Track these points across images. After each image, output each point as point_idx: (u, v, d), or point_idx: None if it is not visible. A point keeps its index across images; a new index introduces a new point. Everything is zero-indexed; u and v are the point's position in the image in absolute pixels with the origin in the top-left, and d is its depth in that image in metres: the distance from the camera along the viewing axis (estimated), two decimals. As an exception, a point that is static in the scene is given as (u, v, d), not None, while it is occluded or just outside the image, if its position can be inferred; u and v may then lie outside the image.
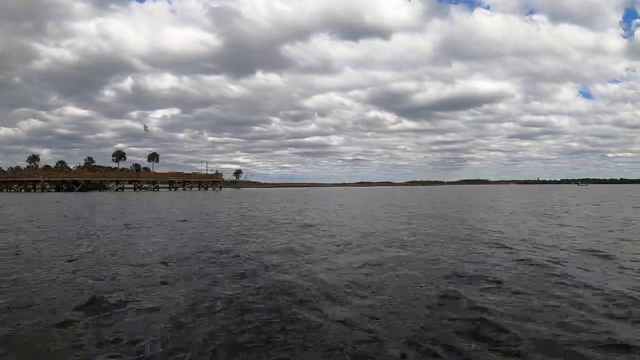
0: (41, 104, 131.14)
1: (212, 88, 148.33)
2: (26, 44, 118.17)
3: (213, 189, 78.34)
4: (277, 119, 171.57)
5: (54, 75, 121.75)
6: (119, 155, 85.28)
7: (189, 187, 78.41)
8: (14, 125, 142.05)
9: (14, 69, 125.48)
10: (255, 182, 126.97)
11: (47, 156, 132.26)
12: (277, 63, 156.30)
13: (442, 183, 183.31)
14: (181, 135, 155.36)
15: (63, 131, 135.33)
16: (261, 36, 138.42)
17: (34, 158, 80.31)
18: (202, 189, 79.72)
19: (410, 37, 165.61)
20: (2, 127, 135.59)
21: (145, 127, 60.91)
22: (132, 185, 72.62)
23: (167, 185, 76.11)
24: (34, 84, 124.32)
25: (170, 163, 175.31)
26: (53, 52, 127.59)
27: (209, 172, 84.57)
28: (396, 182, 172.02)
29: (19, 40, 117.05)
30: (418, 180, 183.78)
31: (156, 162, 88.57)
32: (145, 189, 72.83)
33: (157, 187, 74.41)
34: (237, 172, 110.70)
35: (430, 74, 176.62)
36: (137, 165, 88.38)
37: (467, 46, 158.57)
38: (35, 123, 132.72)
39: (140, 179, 76.11)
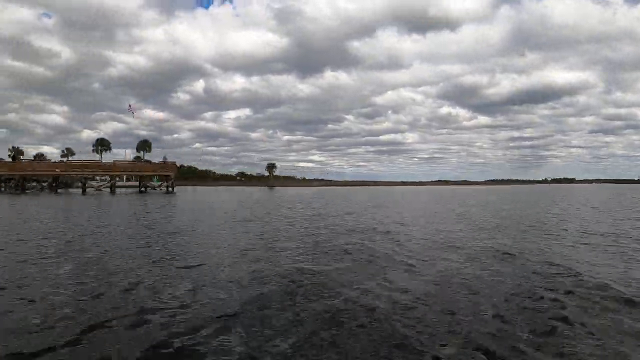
0: (119, 108, 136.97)
1: (282, 88, 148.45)
2: (99, 52, 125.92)
3: (160, 189, 44.51)
4: (350, 117, 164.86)
5: (129, 81, 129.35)
6: (102, 145, 70.27)
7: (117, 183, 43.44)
8: (96, 128, 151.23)
9: (92, 76, 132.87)
10: (305, 179, 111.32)
11: (129, 156, 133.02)
12: (345, 61, 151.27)
13: (526, 182, 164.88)
14: (255, 135, 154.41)
15: (142, 132, 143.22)
16: (327, 34, 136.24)
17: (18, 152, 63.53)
18: (149, 189, 43.84)
19: (479, 28, 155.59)
20: (86, 130, 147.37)
21: (129, 106, 52.98)
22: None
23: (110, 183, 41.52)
24: (111, 89, 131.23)
25: (247, 162, 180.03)
26: (126, 59, 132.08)
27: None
28: (473, 180, 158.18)
29: (92, 48, 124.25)
30: (498, 179, 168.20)
31: (147, 151, 74.36)
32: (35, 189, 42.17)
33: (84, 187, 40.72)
34: (270, 166, 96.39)
35: (502, 66, 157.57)
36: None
37: (540, 34, 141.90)
38: (116, 125, 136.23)
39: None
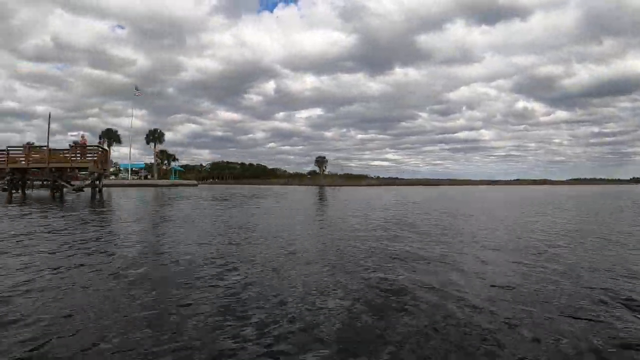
0: (194, 110, 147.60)
1: (352, 86, 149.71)
2: (172, 58, 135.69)
3: (75, 190, 22.12)
4: (423, 114, 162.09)
5: (201, 84, 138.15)
6: (108, 137, 63.57)
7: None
8: (173, 130, 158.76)
9: (166, 80, 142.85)
10: (362, 175, 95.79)
11: (207, 156, 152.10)
12: (414, 56, 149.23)
13: (612, 181, 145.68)
14: (329, 134, 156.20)
15: (218, 133, 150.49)
16: (393, 29, 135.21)
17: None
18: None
19: (551, 14, 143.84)
20: (165, 132, 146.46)
21: (136, 88, 51.62)
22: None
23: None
24: (185, 92, 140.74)
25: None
26: (197, 63, 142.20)
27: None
28: (555, 180, 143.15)
29: (165, 55, 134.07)
30: (581, 177, 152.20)
31: (159, 142, 66.62)
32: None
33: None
34: (320, 160, 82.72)
35: (578, 55, 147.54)
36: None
37: (617, 18, 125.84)
38: (192, 127, 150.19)
39: None
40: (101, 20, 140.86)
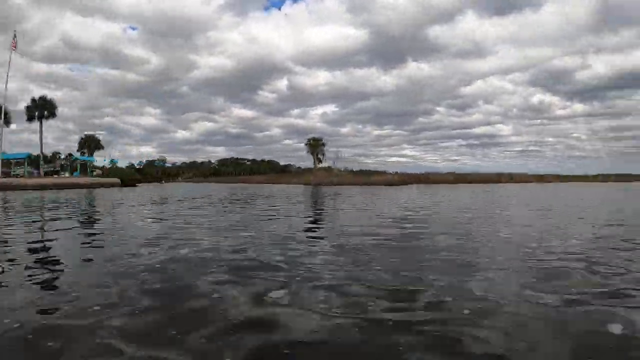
0: (208, 108, 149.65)
1: (366, 81, 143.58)
2: (184, 56, 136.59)
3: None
4: (440, 109, 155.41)
5: (214, 82, 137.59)
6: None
7: None
8: (188, 128, 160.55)
9: (179, 79, 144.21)
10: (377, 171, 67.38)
11: (223, 153, 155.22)
12: (426, 49, 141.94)
13: None
14: (345, 130, 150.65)
15: (233, 131, 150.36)
16: (404, 22, 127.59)
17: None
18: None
19: (563, 4, 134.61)
20: (180, 131, 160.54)
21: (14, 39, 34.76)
22: None
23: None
24: (199, 90, 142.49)
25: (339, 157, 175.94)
26: (208, 62, 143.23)
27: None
28: (579, 175, 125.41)
29: (177, 54, 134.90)
30: (605, 173, 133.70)
31: (51, 116, 48.03)
32: None
33: None
34: (314, 144, 55.01)
35: (595, 46, 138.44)
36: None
37: (634, 7, 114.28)
38: (207, 125, 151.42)
39: None
40: (112, 22, 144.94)
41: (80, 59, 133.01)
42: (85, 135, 57.64)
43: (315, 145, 57.41)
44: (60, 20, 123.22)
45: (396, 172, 46.39)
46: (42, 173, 46.33)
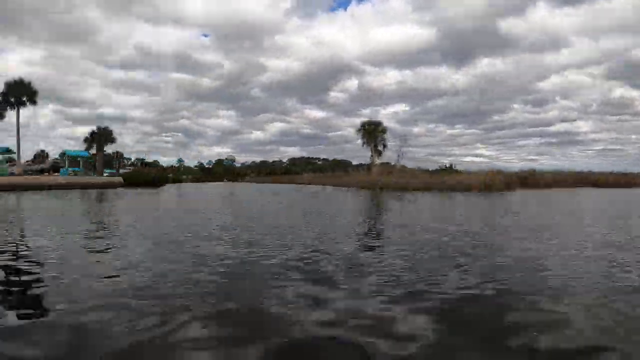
0: (281, 109, 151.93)
1: (436, 79, 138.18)
2: (254, 60, 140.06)
3: None
4: (515, 106, 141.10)
5: (285, 83, 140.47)
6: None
7: None
8: (262, 129, 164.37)
9: (251, 82, 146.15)
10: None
11: (297, 153, 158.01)
12: (498, 45, 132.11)
13: None
14: (416, 130, 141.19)
15: (305, 131, 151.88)
16: (472, 17, 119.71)
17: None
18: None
19: None
20: (254, 132, 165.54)
21: None
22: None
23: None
24: (270, 92, 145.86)
25: (412, 157, 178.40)
26: (278, 64, 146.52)
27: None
28: None
29: (247, 57, 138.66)
30: None
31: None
32: None
33: None
34: (370, 128, 42.26)
35: None
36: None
37: None
38: (280, 125, 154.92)
39: None
40: (184, 29, 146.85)
41: (155, 65, 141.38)
42: (98, 128, 53.14)
43: (373, 132, 40.98)
44: (133, 30, 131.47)
45: (492, 171, 32.96)
46: (17, 171, 39.62)
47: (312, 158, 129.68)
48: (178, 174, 60.04)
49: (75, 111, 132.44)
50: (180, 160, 75.71)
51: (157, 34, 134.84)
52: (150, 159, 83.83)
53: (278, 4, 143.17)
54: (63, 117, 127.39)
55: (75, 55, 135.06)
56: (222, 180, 74.63)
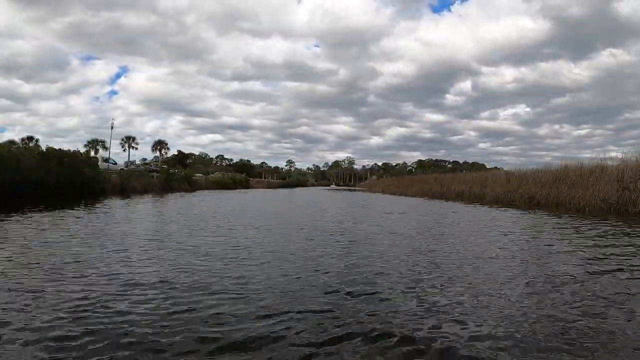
0: (399, 114, 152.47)
1: (555, 75, 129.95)
2: (364, 65, 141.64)
3: None
4: None
5: (399, 88, 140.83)
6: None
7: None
8: (380, 134, 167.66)
9: (366, 88, 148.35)
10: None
11: (418, 157, 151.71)
12: (618, 32, 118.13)
13: None
14: (541, 131, 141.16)
15: (427, 135, 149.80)
16: (586, 3, 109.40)
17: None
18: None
19: None
20: (373, 137, 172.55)
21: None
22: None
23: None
24: (386, 97, 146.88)
25: (539, 162, 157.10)
26: (390, 68, 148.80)
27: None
28: None
29: (356, 64, 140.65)
30: None
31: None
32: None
33: None
34: None
35: None
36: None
37: None
38: (400, 130, 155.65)
39: None
40: (291, 40, 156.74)
41: (267, 76, 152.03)
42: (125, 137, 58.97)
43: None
44: (243, 44, 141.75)
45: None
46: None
47: (441, 161, 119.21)
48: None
49: (198, 120, 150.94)
50: (289, 162, 75.89)
51: (265, 46, 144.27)
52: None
53: (382, 9, 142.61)
54: (190, 126, 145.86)
55: (193, 71, 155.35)
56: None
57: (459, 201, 20.08)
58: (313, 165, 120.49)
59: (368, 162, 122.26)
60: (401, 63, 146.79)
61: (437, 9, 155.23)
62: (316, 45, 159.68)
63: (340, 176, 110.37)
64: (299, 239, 6.56)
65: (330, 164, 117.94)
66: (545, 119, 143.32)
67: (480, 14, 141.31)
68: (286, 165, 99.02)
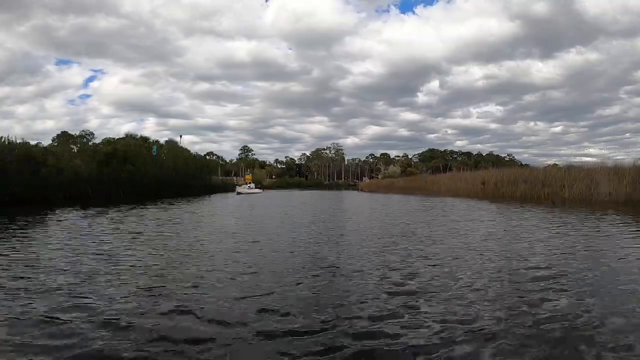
0: (372, 113, 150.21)
1: (524, 73, 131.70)
2: (334, 65, 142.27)
3: None
4: (621, 97, 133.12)
5: (370, 87, 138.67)
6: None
7: None
8: (356, 134, 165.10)
9: (337, 87, 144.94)
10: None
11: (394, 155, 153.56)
12: (586, 32, 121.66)
13: None
14: (515, 129, 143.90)
15: (404, 133, 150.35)
16: (553, 1, 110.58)
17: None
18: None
19: None
20: (349, 136, 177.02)
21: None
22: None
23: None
24: (357, 96, 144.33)
25: (517, 159, 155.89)
26: (360, 68, 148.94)
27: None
28: None
29: (326, 64, 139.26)
30: None
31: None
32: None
33: None
34: None
35: None
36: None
37: None
38: (375, 129, 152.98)
39: None
40: (257, 41, 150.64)
41: (237, 75, 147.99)
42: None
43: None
44: (208, 45, 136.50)
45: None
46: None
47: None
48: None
49: (172, 122, 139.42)
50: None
51: (231, 47, 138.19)
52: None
53: (347, 10, 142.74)
54: (164, 127, 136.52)
55: (161, 72, 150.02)
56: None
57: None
58: (287, 157, 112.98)
59: (351, 160, 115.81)
60: (369, 63, 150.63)
61: (403, 9, 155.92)
62: (284, 45, 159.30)
63: (324, 171, 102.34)
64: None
65: (309, 155, 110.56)
66: (519, 116, 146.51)
67: (446, 15, 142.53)
68: (240, 154, 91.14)
